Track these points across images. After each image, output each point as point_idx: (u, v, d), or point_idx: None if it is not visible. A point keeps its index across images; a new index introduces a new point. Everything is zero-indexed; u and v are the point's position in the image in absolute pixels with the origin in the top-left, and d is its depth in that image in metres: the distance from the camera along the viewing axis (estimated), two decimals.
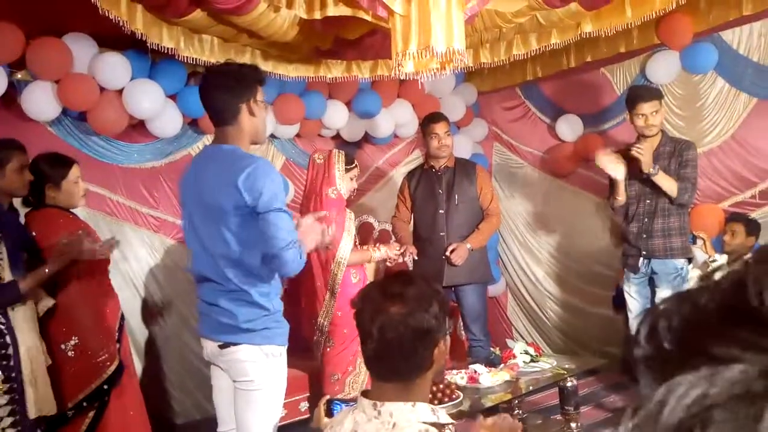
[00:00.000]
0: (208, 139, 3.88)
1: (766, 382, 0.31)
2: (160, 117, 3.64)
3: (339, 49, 3.71)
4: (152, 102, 3.54)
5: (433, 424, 1.32)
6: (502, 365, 3.40)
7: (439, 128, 3.88)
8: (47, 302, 2.67)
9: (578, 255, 4.73)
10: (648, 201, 3.49)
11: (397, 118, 4.71)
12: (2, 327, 2.44)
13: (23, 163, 2.66)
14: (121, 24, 2.88)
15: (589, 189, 4.61)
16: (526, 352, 3.52)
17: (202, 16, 3.03)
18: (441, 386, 2.92)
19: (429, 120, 3.95)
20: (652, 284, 3.58)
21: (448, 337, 1.40)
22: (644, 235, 3.50)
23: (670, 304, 0.38)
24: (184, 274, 3.50)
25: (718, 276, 0.38)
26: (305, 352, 3.59)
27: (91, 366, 2.76)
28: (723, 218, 3.86)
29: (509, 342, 3.85)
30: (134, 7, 2.95)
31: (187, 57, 3.30)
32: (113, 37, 3.23)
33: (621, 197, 3.52)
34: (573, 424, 2.90)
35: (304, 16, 2.99)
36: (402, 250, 3.56)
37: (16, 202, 2.83)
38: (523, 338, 4.78)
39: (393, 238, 4.07)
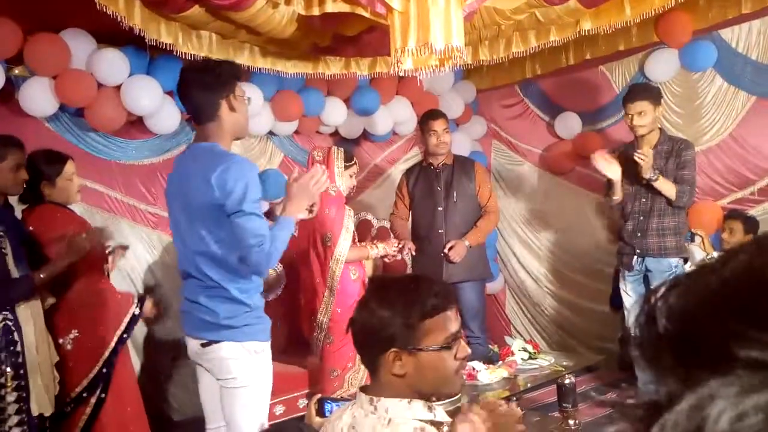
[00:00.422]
0: None
1: None
2: (158, 113, 3.63)
3: (337, 46, 3.71)
4: (150, 98, 3.52)
5: (430, 422, 1.32)
6: (500, 362, 3.41)
7: (438, 125, 3.88)
8: (49, 300, 2.69)
9: (577, 252, 4.74)
10: (644, 200, 3.50)
11: (396, 116, 4.70)
12: (10, 323, 2.45)
13: (19, 161, 2.63)
14: (119, 20, 2.87)
15: (587, 186, 4.60)
16: (525, 350, 3.54)
17: (201, 12, 3.02)
18: None
19: (428, 117, 3.95)
20: (647, 282, 3.60)
21: (424, 355, 1.31)
22: (639, 234, 3.52)
23: (669, 291, 0.37)
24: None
25: (716, 260, 0.37)
26: (304, 348, 3.60)
27: (90, 356, 2.78)
28: (721, 216, 3.86)
29: (507, 339, 3.86)
30: (132, 2, 2.94)
31: (185, 53, 3.29)
32: (111, 33, 3.21)
33: (617, 196, 3.55)
34: (571, 421, 2.90)
35: (303, 13, 2.99)
36: (400, 247, 3.56)
37: (12, 199, 2.82)
38: (521, 335, 4.79)
39: (391, 235, 4.07)
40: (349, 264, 3.36)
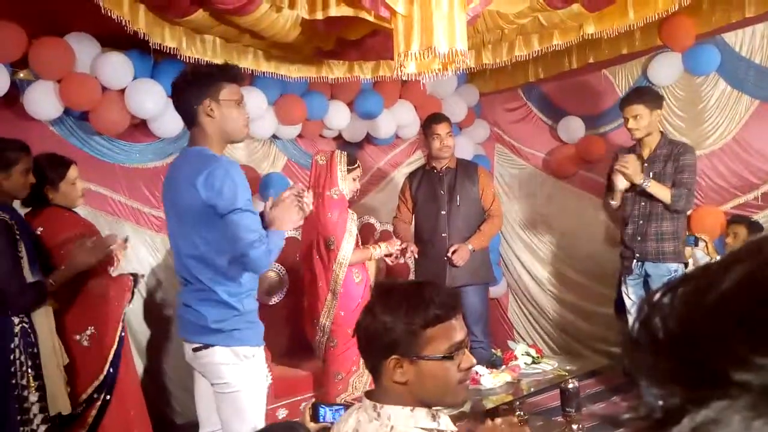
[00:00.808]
0: None
1: None
2: (162, 117, 3.64)
3: (341, 50, 3.71)
4: (154, 102, 3.54)
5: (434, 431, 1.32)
6: (503, 366, 3.40)
7: (441, 129, 3.88)
8: (53, 305, 2.72)
9: (580, 255, 4.73)
10: (643, 204, 3.51)
11: (399, 119, 4.71)
12: (26, 326, 2.51)
13: (28, 165, 2.68)
14: (123, 24, 2.88)
15: (591, 190, 4.60)
16: (528, 354, 3.53)
17: (205, 17, 3.03)
18: None
19: (431, 121, 3.95)
20: (647, 286, 3.60)
21: (426, 364, 1.30)
22: (638, 238, 3.53)
23: (666, 298, 0.36)
24: None
25: (716, 266, 0.36)
26: (308, 352, 3.59)
27: (102, 353, 2.80)
28: (725, 220, 3.85)
29: (510, 343, 3.86)
30: (137, 6, 2.95)
31: (189, 57, 3.29)
32: (115, 37, 3.23)
33: (615, 201, 3.58)
34: (574, 426, 2.89)
35: (306, 17, 2.99)
36: (402, 248, 3.55)
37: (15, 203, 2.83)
38: (523, 339, 4.78)
39: (393, 238, 4.07)
40: (353, 267, 3.36)
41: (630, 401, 3.75)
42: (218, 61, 3.34)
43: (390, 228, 4.44)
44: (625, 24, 3.47)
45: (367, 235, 4.48)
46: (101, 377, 2.79)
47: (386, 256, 3.48)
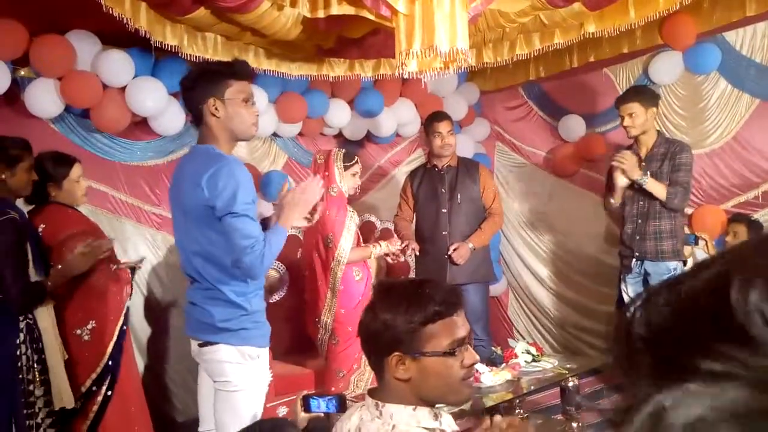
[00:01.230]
0: None
1: (762, 398, 0.30)
2: (163, 115, 3.64)
3: (342, 48, 3.71)
4: (155, 100, 3.54)
5: (436, 431, 1.32)
6: (503, 365, 3.40)
7: (443, 127, 3.88)
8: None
9: (581, 254, 4.74)
10: (641, 203, 3.52)
11: (400, 117, 4.71)
12: (31, 323, 2.54)
13: (31, 162, 2.71)
14: (124, 21, 2.88)
15: (591, 189, 4.60)
16: (528, 352, 3.53)
17: (206, 14, 3.03)
18: None
19: (432, 119, 3.95)
20: (647, 284, 3.61)
21: (428, 360, 1.30)
22: (637, 237, 3.54)
23: (647, 299, 0.38)
24: None
25: (693, 270, 0.37)
26: (311, 349, 3.60)
27: (101, 346, 2.82)
28: (725, 219, 3.86)
29: (511, 341, 3.86)
30: (138, 4, 2.95)
31: (190, 55, 3.30)
32: (116, 35, 3.23)
33: (616, 200, 3.59)
34: (574, 424, 2.90)
35: (308, 15, 2.99)
36: (403, 246, 3.55)
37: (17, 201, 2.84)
38: (523, 338, 4.78)
39: (395, 236, 4.08)
40: (352, 265, 3.36)
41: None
42: (219, 58, 3.34)
43: (390, 226, 4.44)
44: (626, 23, 3.47)
45: (367, 234, 4.48)
46: (98, 369, 2.80)
47: (386, 255, 3.48)
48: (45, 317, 2.59)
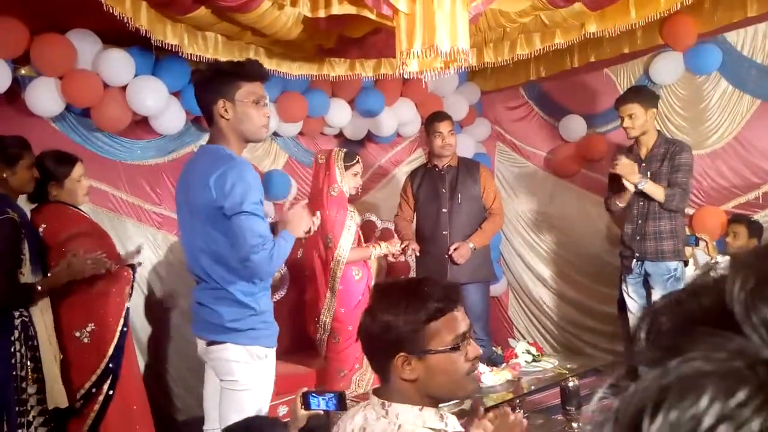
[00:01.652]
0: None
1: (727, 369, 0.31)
2: (164, 114, 3.64)
3: (342, 48, 3.71)
4: (156, 99, 3.54)
5: None
6: (503, 364, 3.40)
7: (443, 127, 3.88)
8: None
9: (581, 254, 4.73)
10: (641, 203, 3.52)
11: (400, 117, 4.71)
12: (26, 320, 2.54)
13: (31, 160, 2.71)
14: (125, 20, 2.88)
15: (592, 189, 4.60)
16: (528, 352, 3.53)
17: (207, 14, 3.03)
18: None
19: (433, 119, 3.95)
20: (647, 284, 3.61)
21: (433, 358, 1.30)
22: (637, 237, 3.54)
23: (662, 304, 0.39)
24: (187, 271, 3.50)
25: (708, 276, 0.39)
26: (311, 348, 3.60)
27: (102, 349, 2.81)
28: (725, 220, 3.86)
29: (511, 341, 3.86)
30: (138, 3, 2.94)
31: (190, 54, 3.30)
32: (117, 34, 3.22)
33: (623, 202, 3.57)
34: (574, 424, 2.90)
35: (309, 14, 2.99)
36: (403, 246, 3.55)
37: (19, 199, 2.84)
38: (524, 337, 4.78)
39: (395, 236, 4.08)
40: (352, 265, 3.36)
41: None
42: (220, 58, 3.34)
43: (391, 226, 4.44)
44: (626, 23, 3.47)
45: (368, 233, 4.48)
46: (99, 372, 2.79)
47: (385, 255, 3.49)
48: (40, 316, 2.59)
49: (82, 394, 2.77)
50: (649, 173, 3.47)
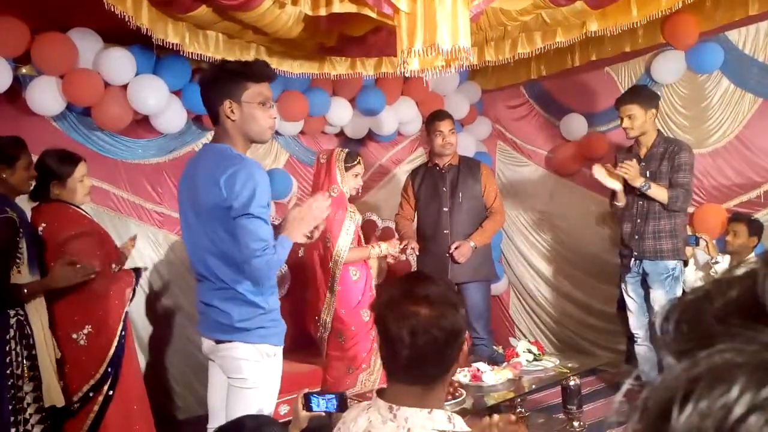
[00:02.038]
0: (212, 136, 3.88)
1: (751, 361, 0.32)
2: (165, 113, 3.64)
3: (343, 46, 3.71)
4: (157, 98, 3.54)
5: None
6: (505, 363, 3.39)
7: (444, 126, 3.88)
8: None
9: (582, 253, 4.73)
10: (641, 203, 3.53)
11: (401, 116, 4.70)
12: (22, 318, 2.53)
13: (29, 159, 2.71)
14: (126, 19, 2.87)
15: (593, 188, 4.59)
16: (529, 351, 3.52)
17: (208, 12, 3.03)
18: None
19: (434, 118, 3.95)
20: (646, 284, 3.62)
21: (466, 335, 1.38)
22: (636, 236, 3.54)
23: (691, 297, 0.40)
24: (188, 270, 3.51)
25: (737, 272, 0.39)
26: (313, 347, 3.60)
27: (99, 353, 2.79)
28: (725, 219, 3.85)
29: (512, 340, 3.85)
30: (140, 2, 2.94)
31: (191, 53, 3.30)
32: (118, 33, 3.23)
33: (621, 202, 3.60)
34: (576, 423, 2.90)
35: (310, 13, 2.99)
36: (403, 246, 3.55)
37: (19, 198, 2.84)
38: (525, 336, 4.78)
39: (396, 236, 4.08)
40: (350, 265, 3.36)
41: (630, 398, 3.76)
42: (221, 57, 3.34)
43: (391, 225, 4.44)
44: (628, 21, 3.47)
45: (368, 232, 4.48)
46: (97, 376, 2.77)
47: (385, 256, 3.49)
48: (34, 313, 2.57)
49: (79, 397, 2.75)
50: (648, 173, 3.47)
